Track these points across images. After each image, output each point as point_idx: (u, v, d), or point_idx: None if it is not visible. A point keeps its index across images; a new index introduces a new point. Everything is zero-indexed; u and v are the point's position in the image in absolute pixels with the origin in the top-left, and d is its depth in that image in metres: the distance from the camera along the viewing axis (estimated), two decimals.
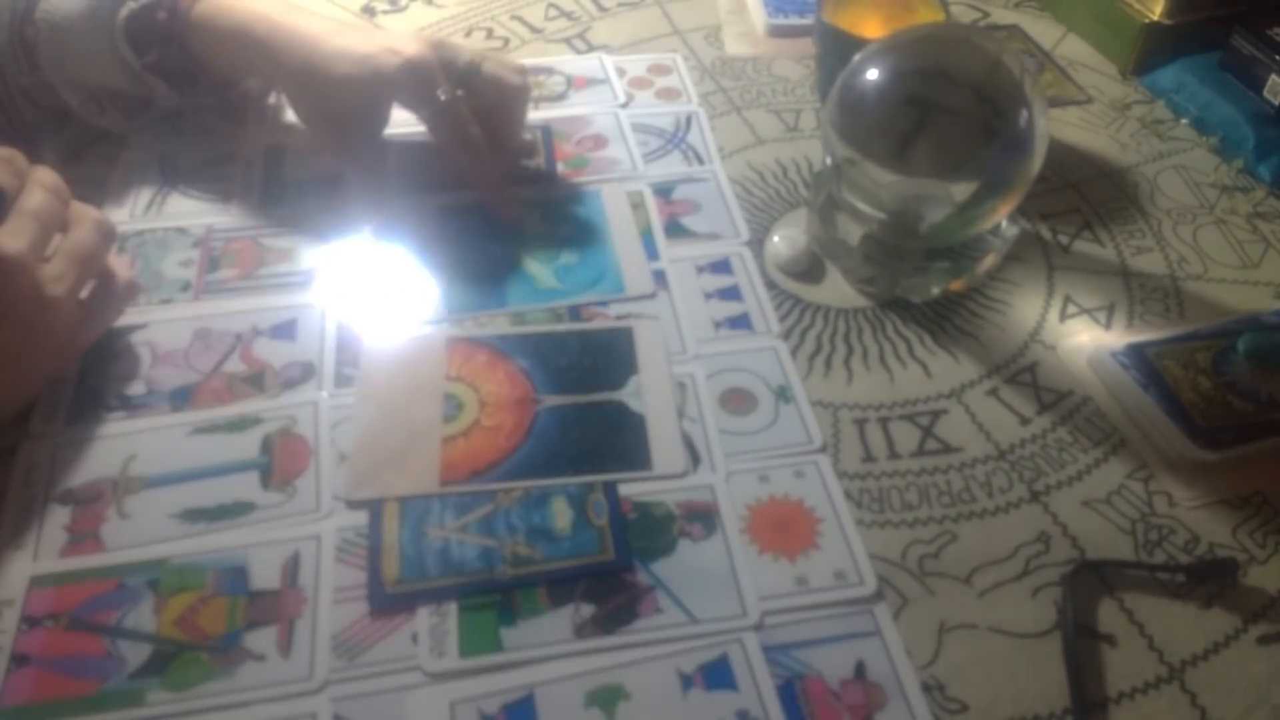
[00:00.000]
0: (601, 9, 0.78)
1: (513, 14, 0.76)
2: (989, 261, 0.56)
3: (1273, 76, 0.66)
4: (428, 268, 0.55)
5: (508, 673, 0.39)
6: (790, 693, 0.39)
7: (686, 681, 0.39)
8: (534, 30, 0.75)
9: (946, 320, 0.55)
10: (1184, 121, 0.69)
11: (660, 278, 0.55)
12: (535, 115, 0.65)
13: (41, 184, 0.45)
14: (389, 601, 0.40)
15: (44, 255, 0.44)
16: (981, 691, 0.39)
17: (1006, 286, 0.57)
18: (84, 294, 0.47)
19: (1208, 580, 0.43)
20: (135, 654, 0.39)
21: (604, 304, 0.53)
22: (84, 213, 0.47)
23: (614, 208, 0.59)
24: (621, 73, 0.70)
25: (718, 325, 0.53)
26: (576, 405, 0.48)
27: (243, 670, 0.38)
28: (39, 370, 0.46)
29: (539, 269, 0.55)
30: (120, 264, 0.50)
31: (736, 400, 0.49)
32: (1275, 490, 0.47)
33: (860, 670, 0.39)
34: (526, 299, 0.53)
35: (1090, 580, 0.43)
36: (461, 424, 0.47)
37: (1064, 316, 0.55)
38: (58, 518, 0.43)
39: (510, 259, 0.55)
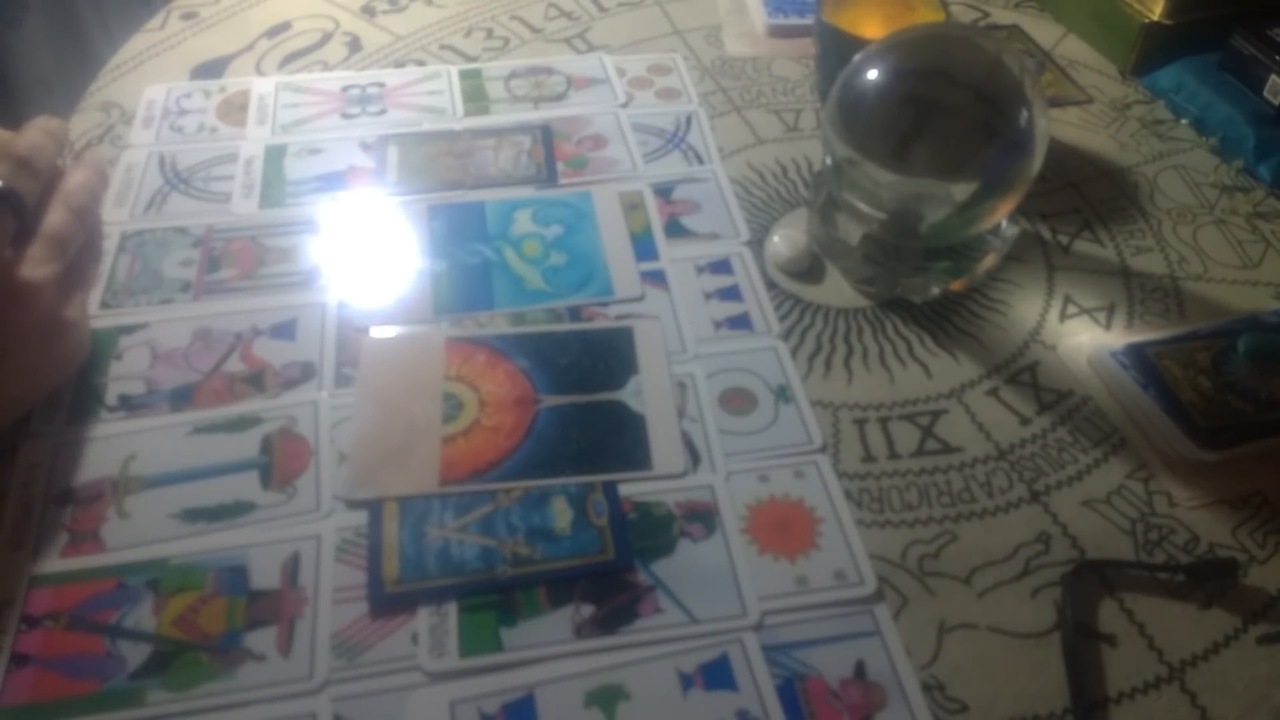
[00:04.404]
0: (601, 9, 0.78)
1: (513, 14, 0.76)
2: (989, 261, 0.56)
3: (1273, 76, 0.66)
4: (418, 267, 0.55)
5: (508, 673, 0.39)
6: (790, 692, 0.39)
7: (686, 681, 0.39)
8: (534, 30, 0.75)
9: (946, 320, 0.55)
10: (1184, 121, 0.69)
11: (660, 278, 0.55)
12: (535, 115, 0.65)
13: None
14: (389, 601, 0.40)
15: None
16: (981, 691, 0.39)
17: (1006, 286, 0.57)
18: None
19: (1208, 580, 0.43)
20: (135, 654, 0.39)
21: (603, 304, 0.53)
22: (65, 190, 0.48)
23: (605, 209, 0.59)
24: (621, 73, 0.70)
25: (718, 325, 0.53)
26: (576, 405, 0.48)
27: (243, 670, 0.38)
28: (44, 367, 0.46)
29: (527, 270, 0.55)
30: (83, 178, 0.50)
31: (736, 400, 0.49)
32: (1275, 490, 0.47)
33: (860, 670, 0.39)
34: (514, 300, 0.53)
35: (1090, 580, 0.43)
36: (461, 424, 0.47)
37: (1064, 316, 0.55)
38: (58, 518, 0.43)
39: (499, 260, 0.55)
